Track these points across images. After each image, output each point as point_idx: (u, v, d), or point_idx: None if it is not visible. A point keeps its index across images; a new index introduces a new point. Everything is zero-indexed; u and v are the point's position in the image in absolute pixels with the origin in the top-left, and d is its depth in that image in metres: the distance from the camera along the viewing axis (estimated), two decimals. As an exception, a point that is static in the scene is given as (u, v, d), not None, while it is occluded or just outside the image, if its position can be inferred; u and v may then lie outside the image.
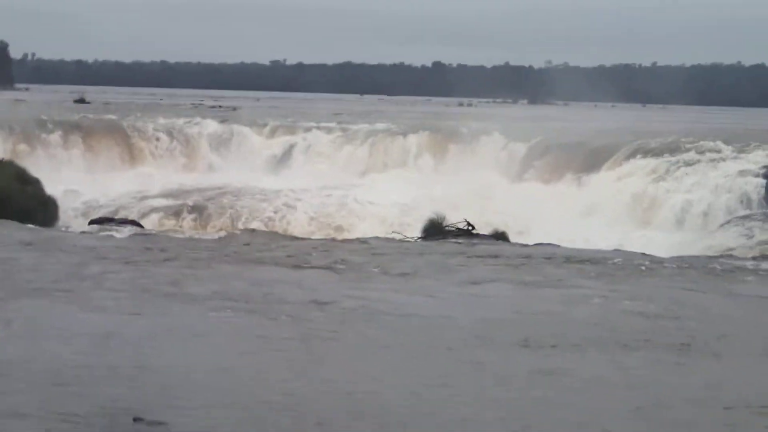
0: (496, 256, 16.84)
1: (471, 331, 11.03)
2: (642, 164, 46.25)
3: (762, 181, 40.40)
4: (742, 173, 41.41)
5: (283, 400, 8.32)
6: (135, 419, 7.45)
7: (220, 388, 8.57)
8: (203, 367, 9.30)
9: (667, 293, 14.01)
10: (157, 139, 57.29)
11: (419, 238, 21.11)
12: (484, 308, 12.53)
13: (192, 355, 9.68)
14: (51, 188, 29.02)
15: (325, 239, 21.84)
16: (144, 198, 42.83)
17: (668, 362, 9.89)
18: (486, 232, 21.48)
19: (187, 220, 39.74)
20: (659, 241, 31.67)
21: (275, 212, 41.17)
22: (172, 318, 11.33)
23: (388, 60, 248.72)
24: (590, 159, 48.83)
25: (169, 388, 8.44)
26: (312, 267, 15.32)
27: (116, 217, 28.90)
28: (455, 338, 10.74)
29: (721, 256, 19.46)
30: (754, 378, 9.30)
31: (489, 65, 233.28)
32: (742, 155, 45.18)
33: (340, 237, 31.92)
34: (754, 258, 18.78)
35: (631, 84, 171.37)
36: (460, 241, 19.60)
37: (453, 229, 21.35)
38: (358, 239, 20.55)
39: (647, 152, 47.68)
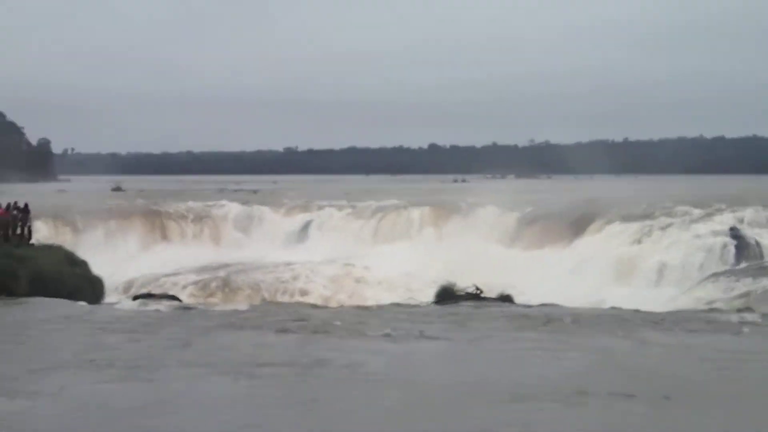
0: (506, 317, 16.63)
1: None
2: (621, 228, 46.18)
3: (730, 240, 40.29)
4: (713, 233, 41.31)
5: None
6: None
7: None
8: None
9: (664, 343, 13.78)
10: (188, 220, 57.35)
11: (433, 302, 20.91)
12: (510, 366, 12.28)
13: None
14: (96, 269, 28.80)
15: (349, 307, 21.60)
16: (178, 274, 42.62)
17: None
18: (492, 296, 21.29)
19: (218, 292, 39.59)
20: (640, 298, 31.40)
21: (295, 282, 40.94)
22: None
23: (389, 143, 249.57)
24: (574, 226, 48.77)
25: None
26: (345, 335, 15.06)
27: (156, 293, 28.66)
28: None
29: (710, 310, 19.21)
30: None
31: (478, 145, 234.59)
32: (711, 218, 45.15)
33: (354, 303, 31.74)
34: (739, 310, 18.56)
35: (606, 157, 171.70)
36: (470, 304, 19.40)
37: (463, 293, 21.14)
38: (378, 306, 20.32)
39: (625, 218, 47.65)
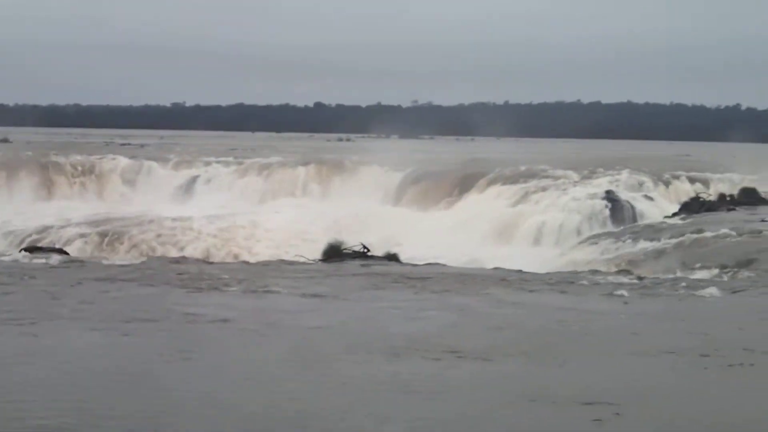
0: (390, 275, 16.59)
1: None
2: (502, 190, 46.66)
3: (606, 203, 40.91)
4: (590, 196, 41.90)
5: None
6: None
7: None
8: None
9: (542, 303, 13.88)
10: (75, 174, 56.49)
11: (320, 260, 20.80)
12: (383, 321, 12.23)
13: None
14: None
15: (234, 263, 21.41)
16: (64, 227, 41.88)
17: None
18: (379, 254, 21.25)
19: (105, 246, 39.08)
20: (520, 258, 31.72)
21: (181, 237, 40.53)
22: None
23: (275, 101, 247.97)
24: (457, 186, 49.14)
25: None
26: (231, 289, 14.87)
27: (44, 246, 28.08)
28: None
29: (590, 272, 19.39)
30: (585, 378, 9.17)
31: (364, 105, 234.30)
32: (589, 181, 45.85)
33: (240, 259, 31.53)
34: (617, 272, 18.79)
35: (487, 119, 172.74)
36: (357, 262, 19.34)
37: (350, 251, 21.06)
38: (267, 262, 20.17)
39: (506, 179, 48.14)
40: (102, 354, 9.81)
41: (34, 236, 39.41)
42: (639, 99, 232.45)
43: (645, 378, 9.38)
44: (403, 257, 22.09)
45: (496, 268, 19.12)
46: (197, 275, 16.34)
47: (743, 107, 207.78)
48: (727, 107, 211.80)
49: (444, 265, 19.55)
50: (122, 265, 18.27)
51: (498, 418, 7.75)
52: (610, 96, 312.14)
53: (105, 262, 19.54)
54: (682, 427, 7.64)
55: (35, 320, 11.60)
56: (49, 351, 9.91)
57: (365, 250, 21.08)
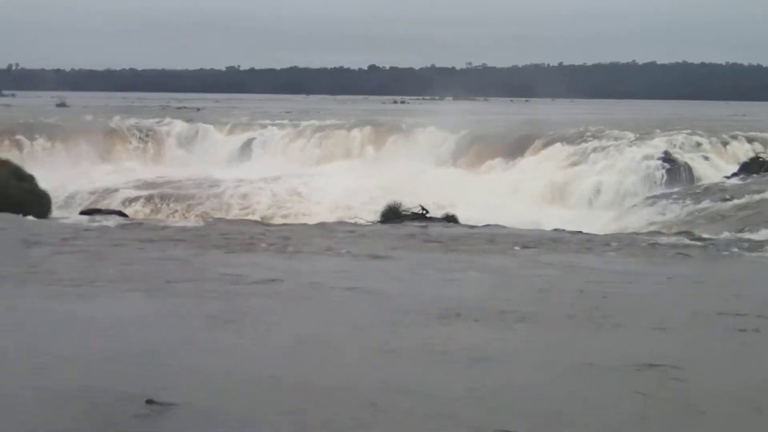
0: (449, 237, 16.46)
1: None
2: (558, 151, 46.37)
3: (663, 164, 40.55)
4: (646, 157, 41.54)
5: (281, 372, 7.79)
6: (148, 401, 6.90)
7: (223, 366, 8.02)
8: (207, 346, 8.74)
9: (612, 268, 13.68)
10: (132, 137, 56.85)
11: (379, 221, 20.71)
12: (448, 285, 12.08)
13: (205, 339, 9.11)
14: (43, 183, 28.25)
15: (293, 224, 21.32)
16: (123, 189, 42.11)
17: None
18: (437, 216, 21.14)
19: (163, 208, 39.28)
20: (577, 219, 31.49)
21: (239, 200, 40.62)
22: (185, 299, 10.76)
23: (329, 65, 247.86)
24: (512, 147, 48.91)
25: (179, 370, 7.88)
26: (289, 250, 14.79)
27: (103, 208, 28.21)
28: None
29: (651, 233, 19.17)
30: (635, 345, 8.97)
31: (417, 67, 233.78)
32: (645, 142, 45.43)
33: (298, 221, 31.49)
34: (678, 233, 18.53)
35: (541, 81, 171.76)
36: (416, 224, 19.20)
37: (409, 213, 20.96)
38: (325, 223, 20.07)
39: (562, 140, 47.84)
40: (145, 321, 9.67)
41: (94, 198, 39.68)
42: (694, 59, 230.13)
43: (699, 344, 9.20)
44: (462, 219, 21.95)
45: (555, 230, 18.92)
46: (255, 237, 16.25)
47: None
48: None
49: (503, 227, 19.35)
50: (180, 228, 18.23)
51: (545, 385, 7.60)
52: (666, 56, 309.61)
53: (162, 224, 19.52)
54: (730, 393, 7.46)
55: (84, 283, 11.54)
56: (90, 317, 9.82)
57: (424, 212, 20.98)
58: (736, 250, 15.79)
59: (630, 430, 6.50)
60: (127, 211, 32.52)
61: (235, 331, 9.25)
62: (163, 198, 40.41)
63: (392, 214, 20.87)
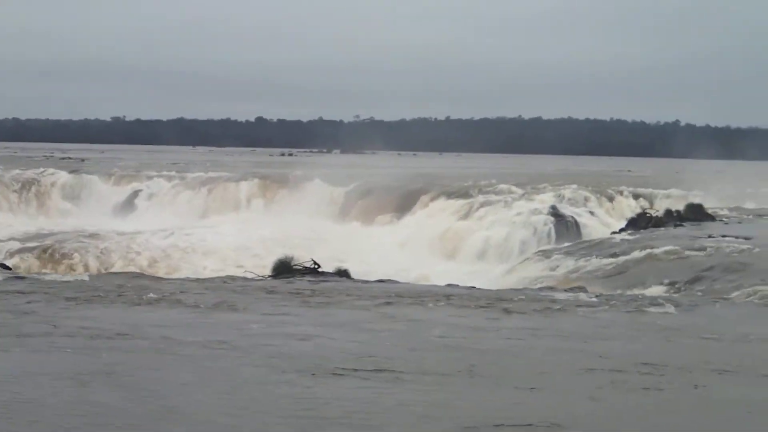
0: (342, 292, 16.30)
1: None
2: (447, 204, 46.63)
3: (551, 218, 40.94)
4: (534, 212, 41.93)
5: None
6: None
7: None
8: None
9: (502, 324, 13.64)
10: (15, 188, 55.74)
11: (270, 276, 20.44)
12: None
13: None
14: None
15: (181, 279, 20.95)
16: (5, 241, 41.15)
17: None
18: (330, 270, 20.96)
19: (46, 261, 38.39)
20: (467, 273, 31.65)
21: (125, 252, 39.88)
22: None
23: (216, 116, 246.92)
24: (401, 201, 49.04)
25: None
26: (184, 305, 14.50)
27: (-16, 261, 27.52)
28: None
29: (543, 288, 19.23)
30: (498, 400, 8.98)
31: (305, 120, 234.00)
32: (533, 196, 45.95)
33: (185, 275, 31.06)
34: (570, 290, 18.60)
35: (429, 135, 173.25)
36: (308, 278, 19.01)
37: (301, 267, 20.73)
38: (215, 278, 19.77)
39: (450, 194, 48.15)
40: (33, 376, 9.45)
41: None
42: (579, 115, 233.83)
43: (588, 399, 9.23)
44: (352, 273, 21.81)
45: (449, 285, 18.89)
46: (141, 291, 15.94)
47: (682, 123, 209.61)
48: (666, 123, 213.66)
49: (396, 282, 19.28)
50: (64, 281, 17.83)
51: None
52: (551, 112, 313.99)
53: (47, 278, 19.05)
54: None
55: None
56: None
57: (316, 266, 20.78)
58: (629, 305, 15.91)
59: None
60: (10, 263, 31.78)
61: (112, 387, 9.06)
62: (47, 250, 39.50)
63: (284, 269, 20.61)
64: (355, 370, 10.02)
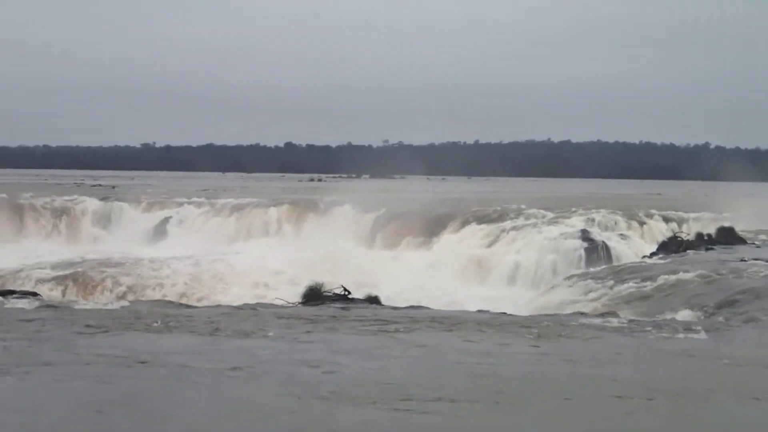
0: (372, 319, 16.28)
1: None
2: (476, 229, 46.58)
3: (581, 242, 40.82)
4: (564, 236, 41.83)
5: None
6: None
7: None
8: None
9: (532, 349, 13.60)
10: (45, 215, 56.12)
11: (300, 303, 20.44)
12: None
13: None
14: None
15: (211, 306, 20.98)
16: (35, 269, 41.30)
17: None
18: (360, 297, 20.94)
19: (77, 289, 38.54)
20: (497, 299, 31.55)
21: (155, 280, 40.00)
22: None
23: (245, 141, 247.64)
24: (430, 226, 49.04)
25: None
26: (212, 332, 14.51)
27: (16, 289, 27.57)
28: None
29: (575, 314, 19.13)
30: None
31: (334, 145, 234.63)
32: (563, 220, 45.84)
33: (215, 301, 31.14)
34: (602, 314, 18.51)
35: (458, 159, 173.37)
36: (338, 305, 19.00)
37: (331, 294, 20.72)
38: (246, 304, 19.76)
39: (481, 219, 48.09)
40: (52, 403, 9.50)
41: (5, 279, 38.85)
42: (609, 138, 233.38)
43: (615, 425, 9.21)
44: (382, 299, 21.78)
45: (480, 311, 18.84)
46: (169, 318, 15.96)
47: (712, 146, 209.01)
48: (696, 146, 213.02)
49: (427, 308, 19.24)
50: (93, 309, 17.88)
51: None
52: (580, 135, 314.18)
53: (76, 306, 19.10)
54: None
55: (7, 368, 11.23)
56: (14, 402, 9.59)
57: (346, 293, 20.76)
58: (659, 330, 15.82)
59: None
60: (41, 290, 31.92)
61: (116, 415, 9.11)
62: (77, 278, 39.68)
63: (314, 295, 20.61)
64: (382, 398, 9.98)
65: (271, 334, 14.61)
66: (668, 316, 19.94)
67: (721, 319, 19.62)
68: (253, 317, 16.63)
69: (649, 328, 15.97)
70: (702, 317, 20.21)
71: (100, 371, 11.24)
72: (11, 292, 22.71)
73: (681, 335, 15.41)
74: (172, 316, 16.51)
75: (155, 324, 15.37)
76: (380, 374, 11.38)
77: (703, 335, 15.45)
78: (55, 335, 14.05)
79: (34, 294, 23.14)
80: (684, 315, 20.33)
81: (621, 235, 43.95)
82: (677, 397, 10.38)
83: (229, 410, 9.45)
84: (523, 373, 11.70)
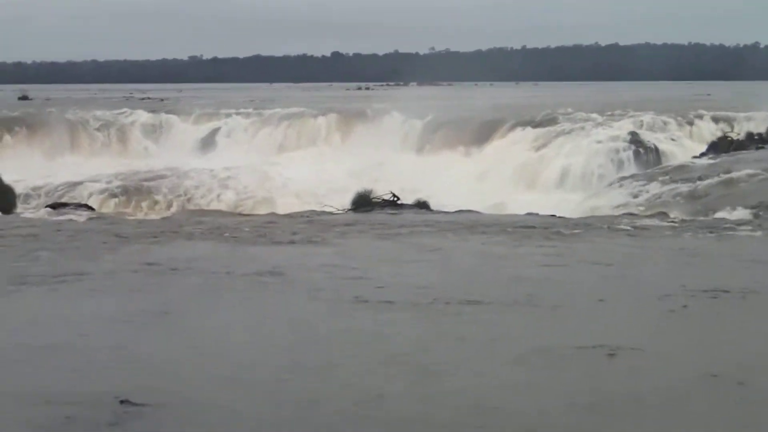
0: (422, 223, 16.26)
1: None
2: (524, 134, 46.28)
3: (630, 145, 40.49)
4: (613, 139, 41.50)
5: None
6: (122, 401, 6.66)
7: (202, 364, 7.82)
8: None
9: (587, 249, 13.55)
10: (95, 129, 56.29)
11: (349, 209, 20.48)
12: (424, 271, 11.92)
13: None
14: (5, 177, 27.81)
15: (263, 214, 21.06)
16: (88, 182, 41.53)
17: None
18: (409, 202, 20.95)
19: (129, 201, 38.83)
20: (546, 203, 31.38)
21: (205, 190, 40.20)
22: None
23: (293, 52, 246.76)
24: (479, 132, 48.74)
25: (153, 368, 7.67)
26: (263, 241, 14.56)
27: (69, 202, 27.82)
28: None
29: (626, 215, 19.05)
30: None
31: (381, 53, 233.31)
32: (612, 123, 45.44)
33: (266, 210, 31.21)
34: (652, 215, 18.40)
35: (505, 65, 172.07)
36: (388, 211, 19.02)
37: (380, 200, 20.74)
38: (297, 213, 19.81)
39: (527, 124, 47.76)
40: (112, 318, 9.54)
41: (59, 192, 39.15)
42: (657, 40, 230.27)
43: (658, 325, 9.22)
44: (431, 205, 21.78)
45: (529, 214, 18.77)
46: (226, 228, 16.03)
47: (761, 45, 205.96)
48: (746, 46, 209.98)
49: (476, 212, 19.20)
50: (148, 220, 18.01)
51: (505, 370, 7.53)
52: (628, 38, 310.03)
53: (130, 217, 19.27)
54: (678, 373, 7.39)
55: (51, 279, 11.33)
56: (56, 314, 9.71)
57: (395, 199, 20.77)
58: (710, 230, 15.70)
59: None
60: (93, 203, 32.17)
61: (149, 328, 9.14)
62: (129, 190, 39.91)
63: (363, 202, 20.64)
64: (417, 302, 9.99)
65: (317, 239, 14.65)
66: (719, 215, 19.81)
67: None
68: (300, 224, 16.67)
69: (699, 228, 15.88)
70: (753, 216, 20.04)
71: (136, 281, 11.35)
72: (64, 205, 22.96)
73: (732, 233, 15.31)
74: (222, 225, 16.58)
75: (205, 233, 15.44)
76: (419, 279, 11.35)
77: (754, 234, 15.32)
78: (98, 246, 14.14)
79: (87, 206, 23.37)
80: (735, 214, 20.18)
81: (671, 137, 43.49)
82: (726, 297, 10.25)
83: (257, 319, 9.49)
84: (563, 276, 11.67)
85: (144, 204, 38.27)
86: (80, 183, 41.18)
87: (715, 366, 7.57)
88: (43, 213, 20.22)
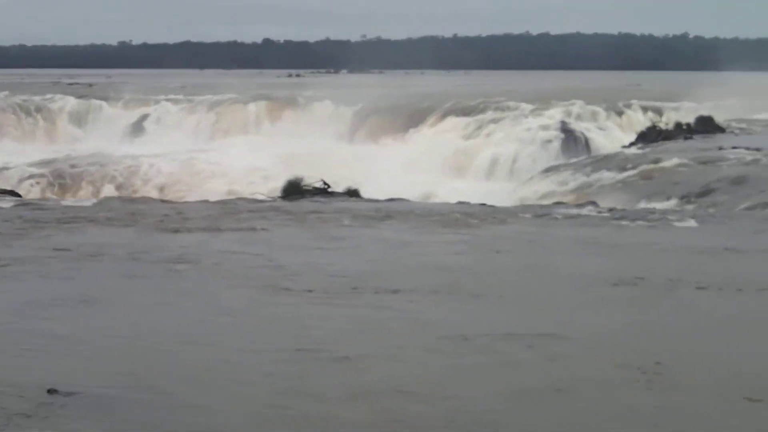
0: (352, 211, 16.27)
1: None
2: (455, 123, 46.40)
3: (560, 134, 40.76)
4: (543, 128, 41.75)
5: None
6: (49, 391, 6.58)
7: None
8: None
9: (510, 236, 13.63)
10: (22, 114, 55.58)
11: (279, 197, 20.39)
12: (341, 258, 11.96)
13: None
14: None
15: (192, 201, 20.90)
16: (13, 168, 41.03)
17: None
18: (339, 190, 20.91)
19: (57, 187, 38.43)
20: (476, 191, 31.49)
21: (134, 177, 39.90)
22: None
23: (223, 38, 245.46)
24: (409, 120, 48.82)
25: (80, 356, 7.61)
26: (190, 227, 14.48)
27: (-6, 188, 27.41)
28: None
29: (555, 204, 19.16)
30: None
31: (312, 40, 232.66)
32: (542, 112, 45.68)
33: (196, 197, 31.00)
34: (582, 204, 18.51)
35: (436, 53, 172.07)
36: (318, 199, 18.98)
37: (310, 188, 20.67)
38: (225, 200, 19.72)
39: (458, 112, 47.89)
40: (39, 305, 9.44)
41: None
42: (587, 30, 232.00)
43: (586, 312, 9.32)
44: (362, 193, 21.74)
45: (459, 203, 18.82)
46: (151, 215, 15.92)
47: (691, 36, 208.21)
48: (675, 36, 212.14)
49: (407, 201, 19.22)
50: (73, 206, 17.81)
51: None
52: (559, 27, 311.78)
53: (53, 204, 19.03)
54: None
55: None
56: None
57: (326, 187, 20.71)
58: (637, 219, 15.85)
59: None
60: (21, 190, 31.75)
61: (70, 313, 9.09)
62: (57, 176, 39.52)
63: (293, 190, 20.54)
64: (335, 291, 10.06)
65: (243, 227, 14.62)
66: (647, 204, 20.03)
67: (700, 206, 19.73)
68: (227, 212, 16.60)
69: (627, 217, 16.03)
70: (681, 205, 20.31)
71: (53, 268, 11.29)
72: (-11, 191, 22.61)
73: (659, 223, 15.47)
74: (149, 212, 16.46)
75: (130, 220, 15.34)
76: (342, 267, 11.40)
77: (681, 223, 15.49)
78: (21, 232, 14.01)
79: (13, 193, 23.04)
80: (663, 204, 20.43)
81: (599, 126, 43.88)
82: (652, 285, 10.39)
83: (176, 308, 9.45)
84: (487, 265, 11.76)
85: (71, 190, 37.89)
86: (7, 169, 40.67)
87: (633, 353, 7.68)
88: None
